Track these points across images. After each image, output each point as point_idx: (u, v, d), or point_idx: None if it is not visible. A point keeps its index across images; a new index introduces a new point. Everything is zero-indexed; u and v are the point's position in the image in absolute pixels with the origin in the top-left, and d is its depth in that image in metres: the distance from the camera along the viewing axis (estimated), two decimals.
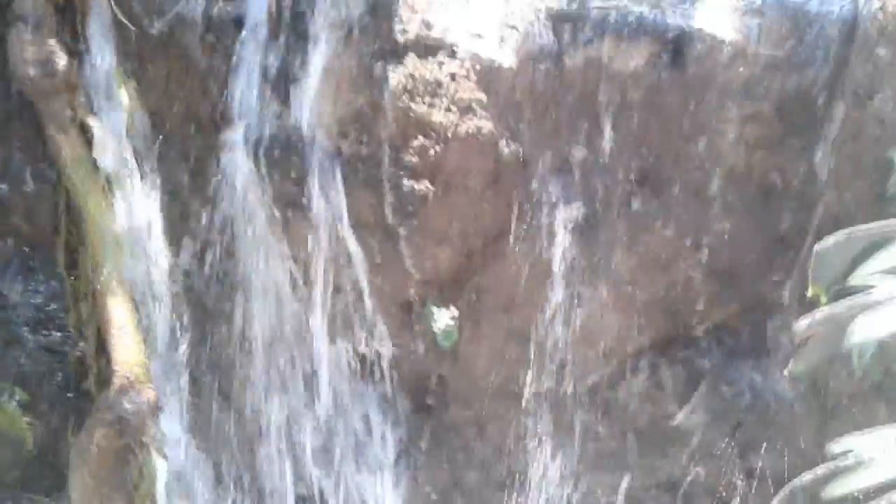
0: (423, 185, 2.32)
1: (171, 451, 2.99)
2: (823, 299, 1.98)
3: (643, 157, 2.27)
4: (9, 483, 3.27)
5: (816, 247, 1.93)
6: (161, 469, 2.98)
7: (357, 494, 2.98)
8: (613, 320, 2.48)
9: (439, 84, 2.25)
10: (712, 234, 2.33)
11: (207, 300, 2.83)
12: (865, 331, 1.84)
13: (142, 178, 2.72)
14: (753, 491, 2.59)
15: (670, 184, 2.29)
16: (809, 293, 2.00)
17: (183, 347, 2.92)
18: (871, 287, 1.85)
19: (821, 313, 1.88)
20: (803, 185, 2.29)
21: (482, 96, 2.26)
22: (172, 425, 3.00)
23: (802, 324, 1.90)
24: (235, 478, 3.07)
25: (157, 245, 2.77)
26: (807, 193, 2.29)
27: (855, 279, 1.91)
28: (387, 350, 2.65)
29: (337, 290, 2.58)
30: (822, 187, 2.25)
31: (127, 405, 2.85)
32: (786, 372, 2.13)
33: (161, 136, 2.49)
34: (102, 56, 2.45)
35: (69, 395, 3.21)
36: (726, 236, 2.33)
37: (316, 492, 2.98)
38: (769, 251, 2.35)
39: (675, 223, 2.33)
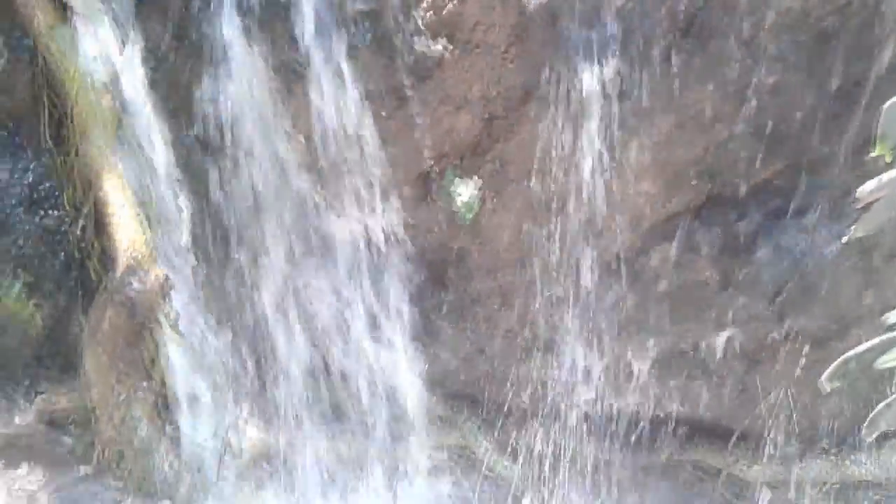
0: (439, 45, 2.08)
1: (186, 328, 2.93)
2: (889, 158, 1.80)
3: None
4: (23, 362, 3.24)
5: (886, 104, 1.72)
6: (177, 346, 2.94)
7: (380, 365, 2.94)
8: (647, 185, 2.31)
9: None
10: (760, 88, 2.11)
11: (207, 177, 2.66)
12: None
13: (123, 44, 2.48)
14: (789, 354, 2.53)
15: (717, 33, 2.04)
16: (875, 152, 1.81)
17: (185, 223, 2.78)
18: None
19: (889, 175, 1.70)
20: (863, 32, 2.03)
21: None
22: (185, 303, 2.91)
23: (868, 186, 1.73)
24: (252, 352, 3.02)
25: (149, 119, 2.57)
26: (866, 41, 2.04)
27: None
28: (403, 224, 2.51)
29: (346, 162, 2.40)
30: (888, 31, 2.00)
31: (136, 285, 2.75)
32: (844, 239, 1.99)
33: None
34: None
35: (74, 274, 3.11)
36: (775, 91, 2.11)
37: (334, 363, 2.93)
38: (821, 106, 2.14)
39: (720, 78, 2.10)
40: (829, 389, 1.84)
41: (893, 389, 1.87)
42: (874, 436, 1.84)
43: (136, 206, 2.78)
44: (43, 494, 3.13)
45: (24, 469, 3.22)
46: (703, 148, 2.22)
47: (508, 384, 2.88)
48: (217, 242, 2.81)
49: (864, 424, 1.84)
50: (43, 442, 3.26)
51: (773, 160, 2.21)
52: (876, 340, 1.77)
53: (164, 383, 3.04)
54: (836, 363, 1.81)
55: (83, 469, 3.19)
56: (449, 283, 2.66)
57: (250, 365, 3.06)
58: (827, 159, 2.17)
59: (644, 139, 2.19)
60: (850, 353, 1.79)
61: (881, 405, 1.80)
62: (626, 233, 2.40)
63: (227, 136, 2.46)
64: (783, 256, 2.34)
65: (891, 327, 1.77)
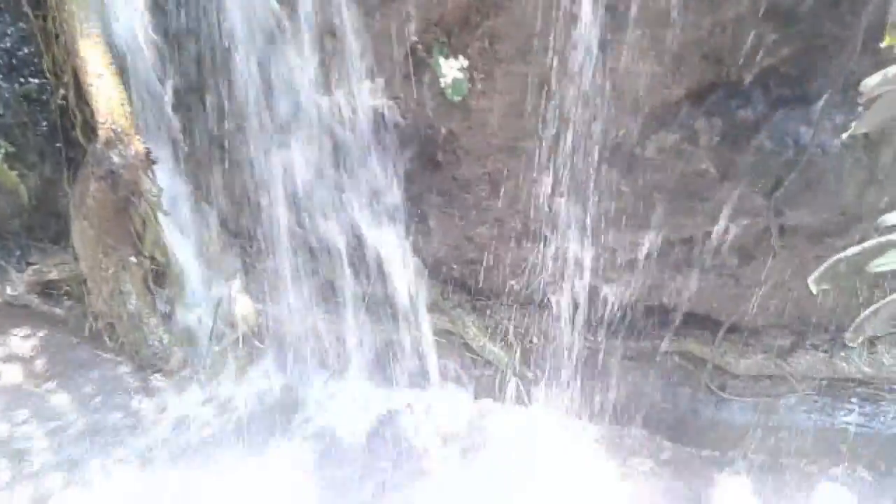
0: None
1: (172, 203, 2.88)
2: None
3: None
4: (13, 231, 3.23)
5: None
6: (164, 219, 2.90)
7: (368, 244, 2.90)
8: (646, 67, 2.16)
9: None
10: None
11: (189, 45, 2.53)
12: None
13: None
14: (784, 249, 2.44)
15: None
16: (885, 43, 1.66)
17: (168, 94, 2.68)
18: None
19: (895, 68, 1.56)
20: None
21: None
22: (170, 176, 2.85)
23: (873, 80, 1.59)
24: (240, 227, 2.98)
25: None
26: None
27: None
28: (389, 102, 2.39)
29: (330, 34, 2.26)
30: None
31: (116, 159, 2.67)
32: (845, 136, 1.86)
33: None
34: None
35: (58, 144, 3.05)
36: None
37: (321, 242, 2.89)
38: None
39: None
40: (816, 291, 1.77)
41: (887, 292, 1.79)
42: (859, 340, 1.78)
43: (116, 73, 2.67)
44: (38, 359, 3.19)
45: (19, 334, 3.27)
46: (708, 29, 2.06)
47: (498, 271, 2.84)
48: (201, 116, 2.72)
49: (850, 329, 1.78)
50: (37, 310, 3.29)
51: (781, 44, 2.05)
52: (870, 243, 1.67)
53: (153, 258, 3.03)
54: (826, 264, 1.73)
55: (75, 338, 3.24)
56: (438, 166, 2.57)
57: (240, 240, 3.02)
58: (839, 45, 2.01)
59: (645, 18, 2.03)
60: (842, 254, 1.70)
61: (868, 311, 1.73)
62: (623, 119, 2.27)
63: (208, 4, 2.31)
64: (785, 148, 2.22)
65: (887, 229, 1.67)
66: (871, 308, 1.73)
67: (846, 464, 2.82)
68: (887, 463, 2.78)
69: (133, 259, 3.00)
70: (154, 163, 2.69)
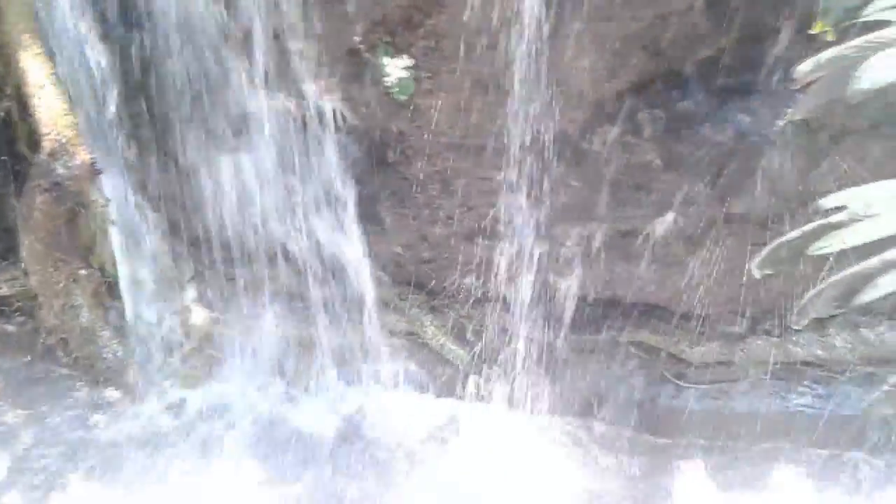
0: None
1: (120, 214, 2.84)
2: (831, 37, 1.70)
3: None
4: None
5: None
6: (113, 231, 2.86)
7: (323, 247, 2.89)
8: (589, 61, 2.20)
9: None
10: None
11: (133, 52, 2.51)
12: (878, 74, 1.57)
13: None
14: (728, 235, 2.49)
15: None
16: (815, 29, 1.71)
17: (113, 103, 2.65)
18: (889, 22, 1.56)
19: (827, 54, 1.60)
20: None
21: None
22: (117, 186, 2.81)
23: (805, 66, 1.63)
24: (191, 234, 2.95)
25: None
26: None
27: (869, 13, 1.61)
28: (337, 103, 2.39)
29: (274, 36, 2.26)
30: None
31: (61, 170, 2.64)
32: (780, 122, 1.90)
33: None
34: None
35: (3, 158, 2.99)
36: None
37: (274, 247, 2.88)
38: None
39: None
40: (759, 276, 1.81)
41: (830, 275, 1.83)
42: (804, 323, 1.82)
43: (59, 84, 2.63)
44: None
45: None
46: (648, 21, 2.10)
47: (452, 270, 2.85)
48: (146, 123, 2.69)
49: (795, 312, 1.82)
50: None
51: (718, 35, 2.09)
52: (809, 227, 1.71)
53: (103, 270, 2.98)
54: (767, 249, 1.77)
55: (28, 355, 3.18)
56: (389, 166, 2.58)
57: (192, 249, 2.99)
58: (774, 34, 2.06)
59: (585, 11, 2.06)
60: (782, 239, 1.74)
61: (811, 293, 1.77)
62: (569, 113, 2.30)
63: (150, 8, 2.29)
64: (726, 137, 2.26)
65: (825, 213, 1.72)
66: (814, 290, 1.77)
67: (801, 446, 2.87)
68: (841, 444, 2.84)
69: (83, 272, 2.95)
70: (100, 173, 2.65)
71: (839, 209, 1.67)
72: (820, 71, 1.63)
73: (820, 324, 2.78)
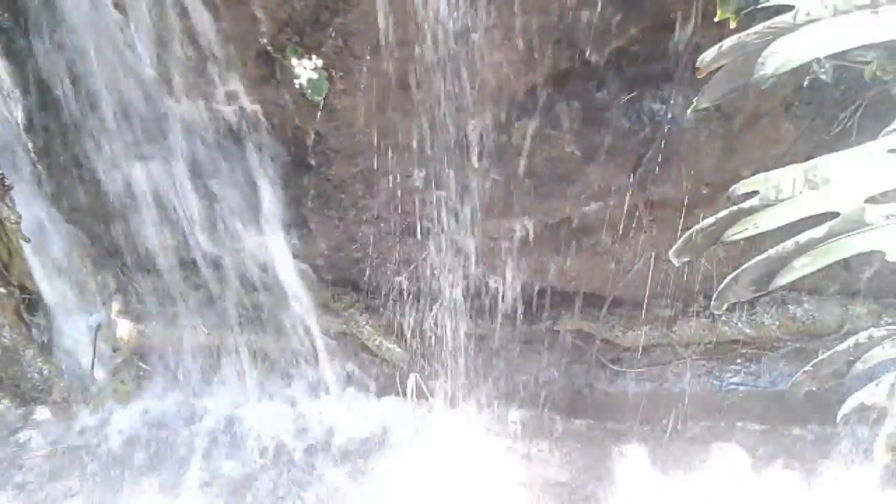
0: None
1: (36, 228, 2.74)
2: (733, 23, 1.71)
3: None
4: None
5: None
6: (27, 247, 2.76)
7: (249, 253, 2.83)
8: (503, 55, 2.18)
9: None
10: None
11: (36, 63, 2.41)
12: (781, 58, 1.58)
13: None
14: (652, 222, 2.51)
15: None
16: (718, 16, 1.72)
17: (19, 116, 2.55)
18: (789, 7, 1.56)
19: (729, 41, 1.61)
20: None
21: None
22: (30, 202, 2.71)
23: (709, 54, 1.63)
24: (112, 247, 2.86)
25: None
26: None
27: None
28: (251, 106, 2.33)
29: (180, 40, 2.19)
30: None
31: None
32: (689, 111, 1.91)
33: None
34: None
35: None
36: None
37: (199, 255, 2.81)
38: None
39: None
40: (678, 263, 1.82)
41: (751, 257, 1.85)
42: (723, 308, 1.84)
43: None
44: None
45: None
46: (557, 13, 2.09)
47: (384, 269, 2.83)
48: (57, 135, 2.60)
49: (713, 297, 1.84)
50: None
51: (626, 25, 2.10)
52: (723, 213, 1.73)
53: (22, 287, 2.88)
54: (684, 237, 1.78)
55: None
56: (310, 168, 2.53)
57: (114, 261, 2.91)
58: (683, 22, 2.06)
59: (495, 4, 2.04)
60: (696, 227, 1.75)
61: (729, 277, 1.78)
62: (486, 108, 2.28)
63: (50, 13, 2.20)
64: (642, 126, 2.28)
65: (739, 198, 1.73)
66: (731, 276, 1.79)
67: (737, 423, 2.92)
68: (775, 418, 2.90)
69: (2, 290, 2.85)
70: (10, 188, 2.56)
71: (751, 194, 1.68)
72: (723, 59, 1.63)
73: (748, 303, 2.83)
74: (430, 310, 2.92)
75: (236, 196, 2.63)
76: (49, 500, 2.69)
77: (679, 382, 2.95)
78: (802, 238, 1.67)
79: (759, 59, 1.63)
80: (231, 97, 2.31)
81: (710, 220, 1.76)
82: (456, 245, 2.67)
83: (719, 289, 1.85)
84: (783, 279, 1.76)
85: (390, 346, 3.03)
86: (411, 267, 2.81)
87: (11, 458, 2.84)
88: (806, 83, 2.06)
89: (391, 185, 2.49)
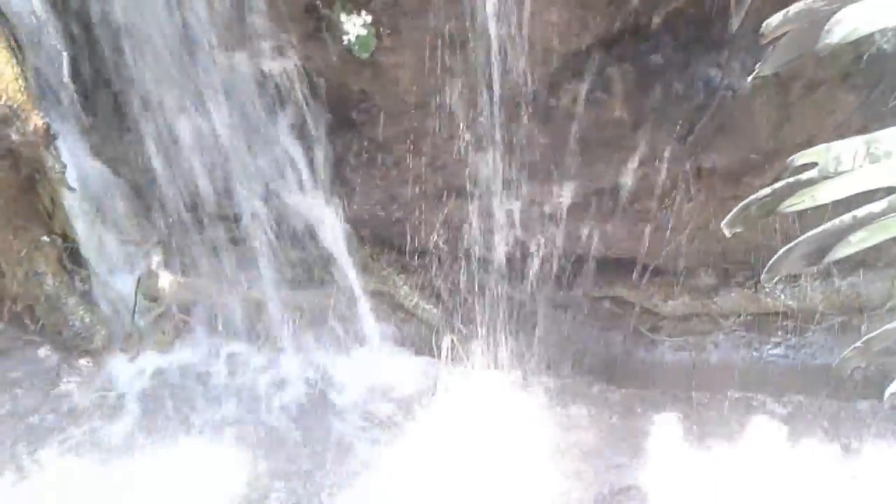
0: None
1: (80, 179, 2.76)
2: None
3: None
4: None
5: None
6: (72, 196, 2.78)
7: (291, 210, 2.83)
8: (556, 15, 2.12)
9: None
10: None
11: (84, 13, 2.40)
12: (849, 26, 1.51)
13: None
14: (703, 190, 2.46)
15: None
16: None
17: (66, 67, 2.54)
18: None
19: (796, 7, 1.55)
20: None
21: None
22: (74, 151, 2.72)
23: (774, 19, 1.57)
24: (155, 200, 2.87)
25: None
26: None
27: None
28: (297, 62, 2.31)
29: None
30: None
31: (15, 136, 2.54)
32: (750, 78, 1.85)
33: None
34: None
35: None
36: None
37: (241, 209, 2.82)
38: None
39: None
40: (729, 234, 1.78)
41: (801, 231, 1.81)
42: (774, 280, 1.80)
43: (9, 49, 2.52)
44: None
45: None
46: None
47: (424, 230, 2.81)
48: (102, 86, 2.60)
49: (765, 269, 1.79)
50: None
51: None
52: (780, 184, 1.68)
53: (65, 236, 2.92)
54: (737, 208, 1.73)
55: None
56: (354, 127, 2.51)
57: (157, 213, 2.92)
58: None
59: None
60: (752, 197, 1.70)
61: (781, 251, 1.74)
62: (535, 69, 2.24)
63: None
64: (696, 91, 2.21)
65: (797, 169, 1.68)
66: (785, 248, 1.74)
67: (775, 395, 2.89)
68: (814, 392, 2.86)
69: (45, 238, 2.90)
70: (55, 138, 2.57)
71: (810, 166, 1.63)
72: (788, 25, 1.57)
73: (791, 275, 2.78)
74: (468, 272, 2.90)
75: (279, 152, 2.62)
76: (90, 446, 2.74)
77: (718, 352, 2.92)
78: (860, 212, 1.62)
79: (826, 27, 1.56)
80: (277, 52, 2.28)
81: (767, 190, 1.70)
82: (497, 208, 2.65)
83: (771, 261, 1.80)
84: (838, 253, 1.71)
85: (427, 306, 3.03)
86: (451, 229, 2.79)
87: (54, 404, 2.89)
88: (867, 54, 1.98)
89: (435, 145, 2.46)
